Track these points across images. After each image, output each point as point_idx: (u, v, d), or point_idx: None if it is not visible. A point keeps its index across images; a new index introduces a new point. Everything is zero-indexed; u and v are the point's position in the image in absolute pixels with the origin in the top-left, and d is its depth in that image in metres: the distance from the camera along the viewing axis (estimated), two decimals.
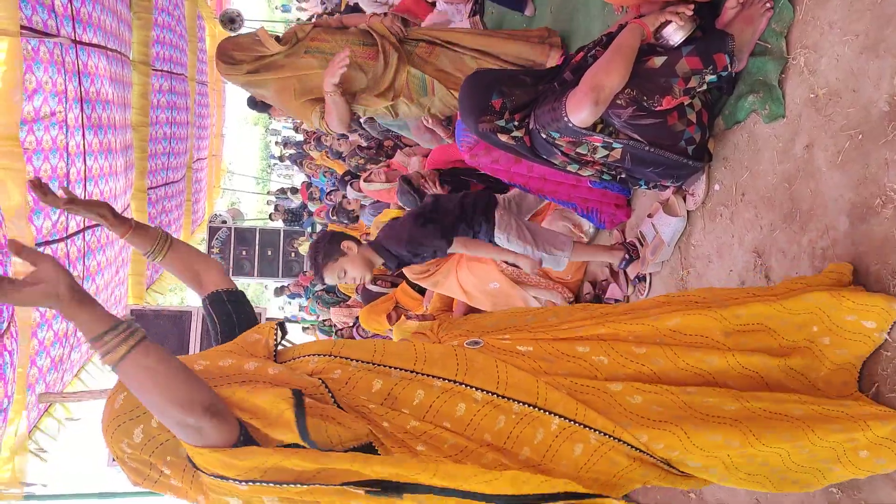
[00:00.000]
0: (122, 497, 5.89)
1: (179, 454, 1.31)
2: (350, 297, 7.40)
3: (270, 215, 14.66)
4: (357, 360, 1.48)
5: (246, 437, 1.27)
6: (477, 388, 1.46)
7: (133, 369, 1.16)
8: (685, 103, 2.23)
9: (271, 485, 1.25)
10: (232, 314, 1.66)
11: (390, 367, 1.47)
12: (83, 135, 5.33)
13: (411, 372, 1.47)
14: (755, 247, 2.22)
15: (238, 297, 1.71)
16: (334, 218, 8.04)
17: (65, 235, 5.00)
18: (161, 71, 8.01)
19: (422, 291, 4.96)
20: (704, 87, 2.14)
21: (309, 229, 12.71)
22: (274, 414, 1.27)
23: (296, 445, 1.28)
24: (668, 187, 2.58)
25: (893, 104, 1.69)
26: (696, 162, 2.35)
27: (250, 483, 1.24)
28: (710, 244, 2.49)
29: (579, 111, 2.11)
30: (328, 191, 9.07)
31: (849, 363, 1.70)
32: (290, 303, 12.74)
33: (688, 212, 2.62)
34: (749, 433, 1.48)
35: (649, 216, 2.79)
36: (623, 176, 2.45)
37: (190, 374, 1.23)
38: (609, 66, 2.07)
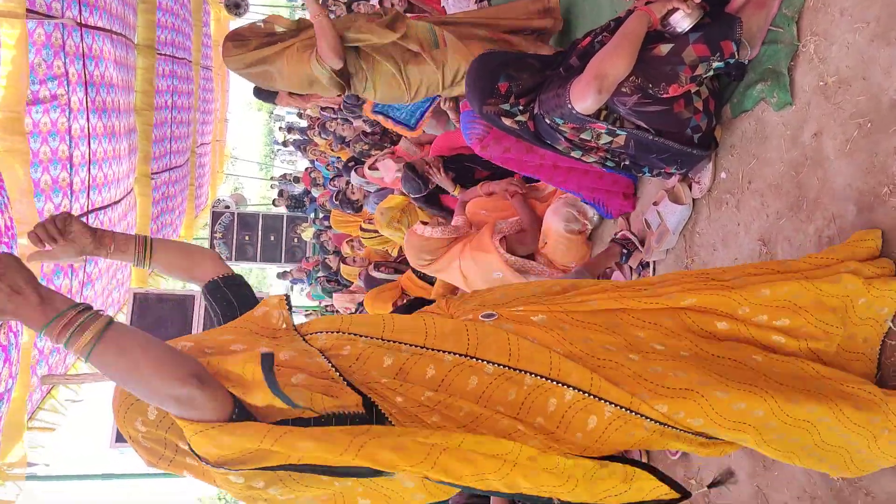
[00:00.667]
0: (124, 478, 5.93)
1: None
2: (352, 284, 7.40)
3: (274, 201, 14.65)
4: (366, 336, 1.45)
5: (241, 411, 1.24)
6: (488, 362, 1.43)
7: (113, 347, 1.14)
8: (692, 91, 2.22)
9: (267, 471, 1.25)
10: (231, 299, 1.62)
11: (400, 343, 1.45)
12: (87, 118, 5.32)
13: (422, 347, 1.44)
14: (761, 235, 2.22)
15: (236, 281, 1.67)
16: (337, 205, 8.03)
17: None
18: (165, 55, 8.00)
19: (427, 280, 4.95)
20: (711, 73, 2.13)
21: (312, 215, 12.71)
22: (247, 377, 1.24)
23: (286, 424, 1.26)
24: (672, 175, 2.57)
25: None
26: (701, 150, 2.35)
27: (240, 470, 1.23)
28: (715, 232, 2.49)
29: (583, 99, 2.11)
30: (332, 176, 9.06)
31: (864, 352, 1.68)
32: (292, 288, 12.74)
33: (693, 200, 2.61)
34: (774, 403, 1.43)
35: (654, 204, 2.79)
36: (627, 163, 2.44)
37: (168, 346, 1.21)
38: (614, 53, 2.06)
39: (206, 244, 11.83)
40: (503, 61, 2.40)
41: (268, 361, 1.23)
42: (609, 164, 2.48)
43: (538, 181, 3.59)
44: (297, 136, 16.00)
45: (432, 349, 1.44)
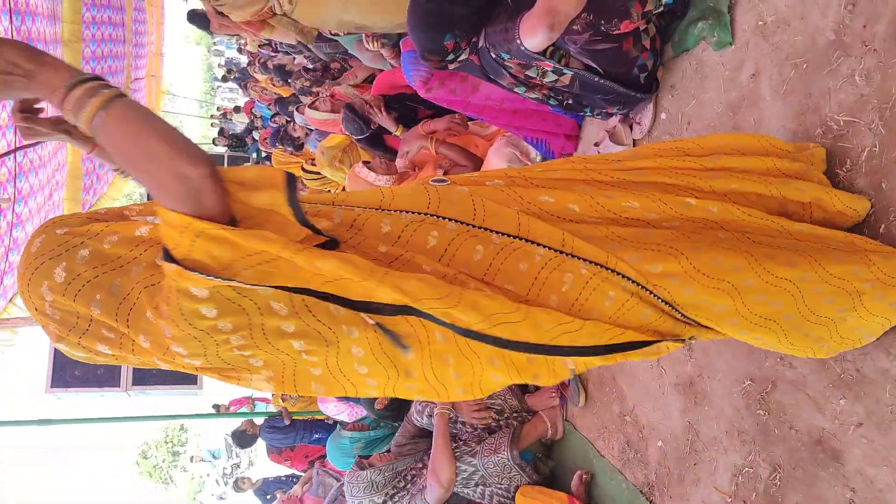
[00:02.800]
0: (60, 423, 5.84)
1: (113, 288, 1.13)
2: None
3: (214, 140, 14.26)
4: (316, 204, 1.31)
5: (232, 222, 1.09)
6: (450, 219, 1.30)
7: (125, 113, 1.03)
8: (640, 28, 2.19)
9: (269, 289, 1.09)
10: None
11: (353, 207, 1.31)
12: None
13: (377, 209, 1.31)
14: None
15: None
16: (279, 145, 7.84)
17: None
18: None
19: None
20: (661, 9, 2.10)
21: (254, 155, 12.42)
22: (266, 175, 1.11)
23: None
24: (613, 115, 2.56)
25: (839, 32, 1.69)
26: (644, 93, 2.34)
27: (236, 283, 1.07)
28: None
29: (533, 35, 2.06)
30: (272, 114, 8.84)
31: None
32: None
33: (634, 140, 2.62)
34: (751, 257, 1.35)
35: (596, 145, 2.78)
36: (570, 102, 2.42)
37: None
38: None
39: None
40: (449, 18, 2.25)
41: (290, 175, 1.11)
42: (552, 101, 2.45)
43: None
44: (237, 74, 15.56)
45: (388, 210, 1.32)
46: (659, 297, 1.32)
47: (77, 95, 1.04)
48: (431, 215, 1.31)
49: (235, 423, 6.94)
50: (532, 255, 1.28)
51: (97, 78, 1.06)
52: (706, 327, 1.39)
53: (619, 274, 1.29)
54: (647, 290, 1.31)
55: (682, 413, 2.30)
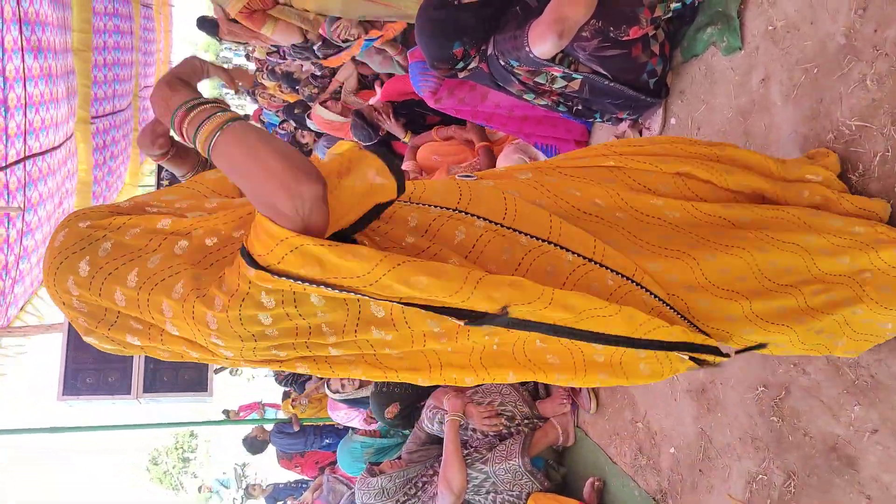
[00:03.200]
0: (72, 431, 5.86)
1: (145, 270, 1.12)
2: None
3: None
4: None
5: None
6: (478, 217, 1.29)
7: (243, 134, 1.05)
8: (649, 34, 2.19)
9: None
10: None
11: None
12: (22, 58, 5.06)
13: (406, 202, 1.29)
14: None
15: None
16: None
17: (3, 165, 4.80)
18: None
19: None
20: (670, 14, 2.10)
21: None
22: (345, 156, 1.13)
23: None
24: (623, 120, 2.56)
25: (850, 37, 1.68)
26: (654, 98, 2.33)
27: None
28: None
29: (542, 43, 2.06)
30: (280, 120, 8.85)
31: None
32: None
33: None
34: (756, 267, 1.38)
35: None
36: (580, 107, 2.42)
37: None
38: None
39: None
40: (458, 27, 2.27)
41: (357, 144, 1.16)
42: (561, 108, 2.45)
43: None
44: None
45: (418, 203, 1.30)
46: (676, 311, 1.32)
47: (195, 117, 1.08)
48: (461, 211, 1.30)
49: (246, 429, 6.95)
50: (561, 260, 1.27)
51: (215, 101, 1.10)
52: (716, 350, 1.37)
53: (643, 288, 1.29)
54: (667, 305, 1.31)
55: (695, 419, 2.29)
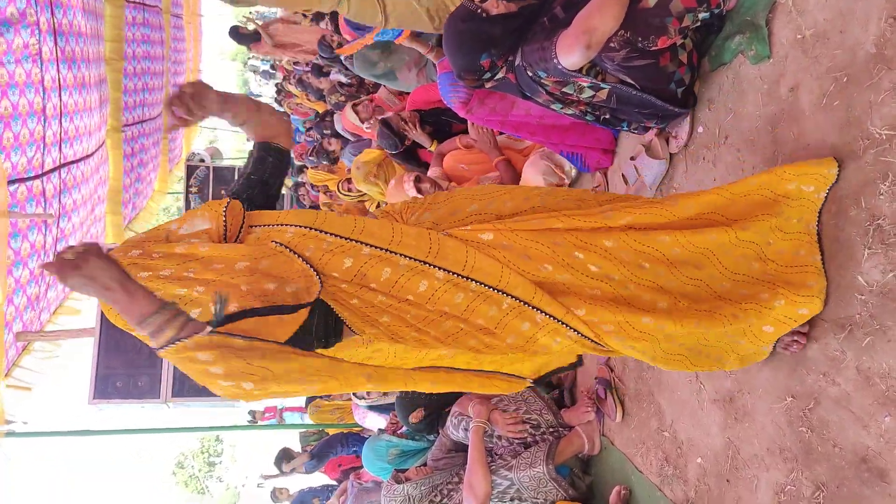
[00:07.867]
0: (101, 434, 5.94)
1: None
2: None
3: (250, 153, 14.42)
4: (334, 235, 1.55)
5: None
6: (441, 269, 1.57)
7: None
8: (677, 44, 2.19)
9: None
10: (267, 168, 1.89)
11: (363, 244, 1.55)
12: (58, 69, 5.17)
13: (384, 250, 1.55)
14: None
15: (283, 158, 1.88)
16: (313, 159, 7.92)
17: (40, 173, 4.90)
18: (134, 3, 7.76)
19: None
20: (698, 24, 2.10)
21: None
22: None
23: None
24: (650, 129, 2.56)
25: (880, 46, 1.67)
26: (682, 108, 2.33)
27: None
28: (691, 187, 2.49)
29: (570, 54, 2.07)
30: (308, 127, 8.93)
31: (799, 233, 1.80)
32: None
33: (670, 154, 2.61)
34: (678, 323, 1.68)
35: (632, 158, 2.78)
36: (607, 116, 2.42)
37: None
38: (603, 7, 2.01)
39: (182, 198, 11.68)
40: (485, 39, 2.29)
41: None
42: (588, 117, 2.46)
43: None
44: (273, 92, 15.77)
45: (393, 252, 1.56)
46: (590, 339, 1.67)
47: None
48: (427, 264, 1.57)
49: (276, 440, 7.05)
50: (501, 303, 1.60)
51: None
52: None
53: (570, 327, 1.65)
54: (586, 337, 1.67)
55: (722, 429, 2.27)
